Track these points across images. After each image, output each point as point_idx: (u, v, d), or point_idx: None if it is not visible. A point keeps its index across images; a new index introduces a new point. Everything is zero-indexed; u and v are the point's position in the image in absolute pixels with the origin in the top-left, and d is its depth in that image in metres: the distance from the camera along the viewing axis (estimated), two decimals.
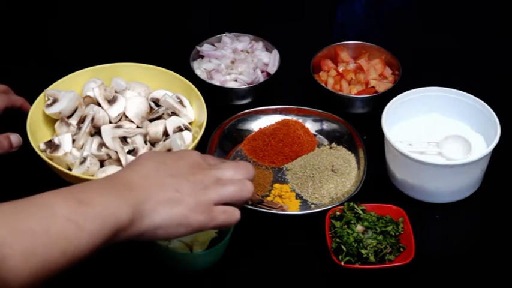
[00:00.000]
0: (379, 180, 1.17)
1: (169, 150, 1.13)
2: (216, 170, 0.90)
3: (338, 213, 1.07)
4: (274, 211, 1.09)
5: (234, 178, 0.90)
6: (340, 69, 1.32)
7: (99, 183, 0.84)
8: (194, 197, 0.85)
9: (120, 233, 0.80)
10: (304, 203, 1.14)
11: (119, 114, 1.17)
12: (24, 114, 1.16)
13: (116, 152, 1.12)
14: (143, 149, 1.13)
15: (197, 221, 0.85)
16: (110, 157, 1.13)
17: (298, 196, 1.15)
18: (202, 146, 1.18)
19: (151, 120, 1.19)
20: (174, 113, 1.20)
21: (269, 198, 1.14)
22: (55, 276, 0.75)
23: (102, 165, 1.13)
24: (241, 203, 0.90)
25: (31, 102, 1.17)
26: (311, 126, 1.26)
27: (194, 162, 0.90)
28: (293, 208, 1.13)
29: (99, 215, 0.78)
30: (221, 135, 1.23)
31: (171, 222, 0.84)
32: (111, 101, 1.18)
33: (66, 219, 0.75)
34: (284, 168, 1.20)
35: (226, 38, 1.38)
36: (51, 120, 1.19)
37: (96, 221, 0.77)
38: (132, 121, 1.18)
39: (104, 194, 0.80)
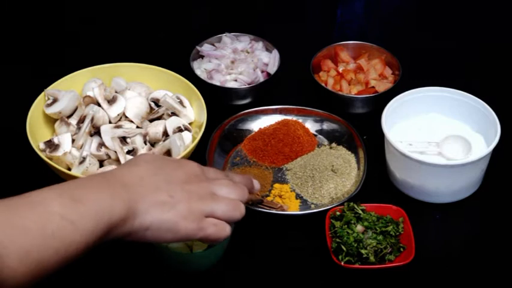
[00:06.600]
0: (379, 180, 1.17)
1: (168, 150, 1.13)
2: (212, 185, 0.90)
3: (338, 213, 1.07)
4: (274, 211, 1.09)
5: (228, 197, 0.90)
6: (340, 69, 1.32)
7: (94, 180, 0.83)
8: (186, 205, 0.86)
9: (112, 231, 0.79)
10: (304, 203, 1.14)
11: (118, 114, 1.17)
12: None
13: (116, 152, 1.12)
14: (142, 149, 1.13)
15: (186, 228, 0.85)
16: (109, 157, 1.13)
17: (298, 196, 1.15)
18: (202, 146, 1.18)
19: (151, 121, 1.19)
20: (174, 113, 1.19)
21: (269, 198, 1.14)
22: (49, 275, 0.75)
23: (101, 165, 1.13)
24: (231, 221, 0.90)
25: (31, 102, 1.17)
26: (311, 126, 1.26)
27: (192, 172, 0.90)
28: (293, 208, 1.13)
29: (94, 212, 0.77)
30: (221, 135, 1.23)
31: (161, 225, 0.84)
32: (111, 101, 1.18)
33: (61, 218, 0.74)
34: (284, 168, 1.20)
35: (226, 38, 1.38)
36: (51, 120, 1.19)
37: (91, 219, 0.77)
38: (132, 121, 1.18)
39: (99, 190, 0.80)
